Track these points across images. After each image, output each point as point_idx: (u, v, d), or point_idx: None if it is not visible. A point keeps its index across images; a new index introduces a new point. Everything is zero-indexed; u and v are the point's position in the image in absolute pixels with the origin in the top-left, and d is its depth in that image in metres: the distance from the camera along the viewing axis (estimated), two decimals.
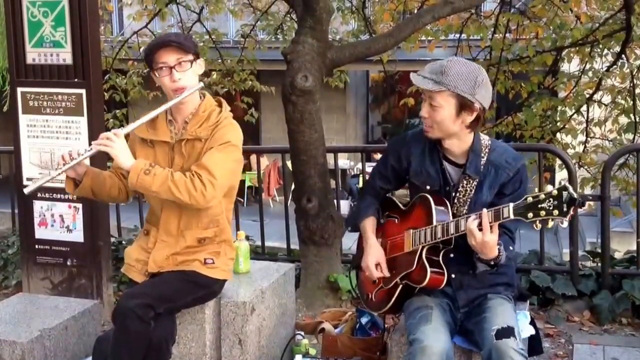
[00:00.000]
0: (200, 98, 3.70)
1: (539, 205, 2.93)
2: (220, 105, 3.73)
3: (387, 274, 3.50)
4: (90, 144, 3.56)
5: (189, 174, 3.46)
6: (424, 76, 3.27)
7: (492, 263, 3.21)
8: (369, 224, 3.67)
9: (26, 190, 3.58)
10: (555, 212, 2.89)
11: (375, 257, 3.55)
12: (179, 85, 3.53)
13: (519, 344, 3.10)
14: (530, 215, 2.95)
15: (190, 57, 3.57)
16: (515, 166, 3.35)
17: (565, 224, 2.94)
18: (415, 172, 3.49)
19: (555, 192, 2.89)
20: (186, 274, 3.64)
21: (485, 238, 3.08)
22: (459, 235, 3.21)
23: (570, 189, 2.87)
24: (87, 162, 3.66)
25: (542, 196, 2.93)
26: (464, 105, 3.25)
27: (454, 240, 3.31)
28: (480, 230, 3.08)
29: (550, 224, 2.96)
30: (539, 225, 2.98)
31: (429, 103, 3.27)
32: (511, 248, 3.33)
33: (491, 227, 3.08)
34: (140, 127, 3.62)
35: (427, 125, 3.32)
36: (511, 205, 3.01)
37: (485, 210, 3.09)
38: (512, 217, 3.00)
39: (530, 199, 2.96)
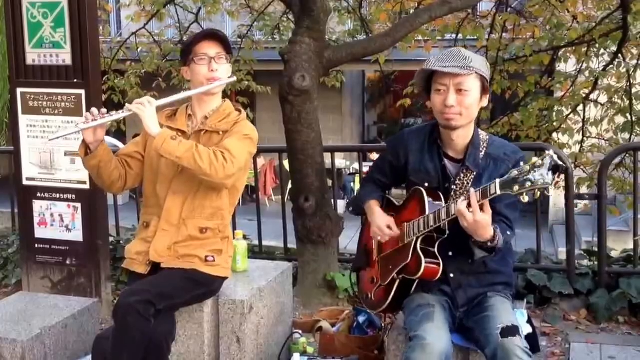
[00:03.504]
0: (222, 101, 3.86)
1: (525, 177, 2.90)
2: (239, 111, 3.89)
3: (397, 232, 3.49)
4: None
5: (212, 148, 3.56)
6: (444, 66, 3.25)
7: (489, 246, 3.19)
8: (374, 202, 3.69)
9: (50, 137, 3.72)
10: (540, 180, 2.85)
11: (384, 220, 3.56)
12: (214, 75, 3.69)
13: (524, 342, 3.10)
14: (516, 188, 2.92)
15: (227, 55, 3.74)
16: (514, 158, 3.36)
17: (552, 192, 2.91)
18: (414, 169, 3.51)
19: (539, 162, 2.87)
20: (186, 272, 3.68)
21: (477, 217, 3.06)
22: (452, 219, 3.19)
23: (555, 156, 2.85)
24: None
25: (527, 168, 2.90)
26: (484, 87, 3.33)
27: (448, 233, 3.31)
28: (471, 211, 3.09)
29: (537, 194, 2.91)
30: (526, 198, 2.92)
31: (457, 90, 3.26)
32: (508, 233, 3.31)
33: (481, 206, 3.07)
34: (159, 115, 3.70)
35: (454, 113, 3.28)
36: (497, 180, 3.00)
37: (472, 189, 3.10)
38: (499, 192, 2.98)
39: (515, 172, 2.94)
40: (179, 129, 3.74)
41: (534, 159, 2.91)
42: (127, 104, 3.60)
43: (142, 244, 3.79)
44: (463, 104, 3.28)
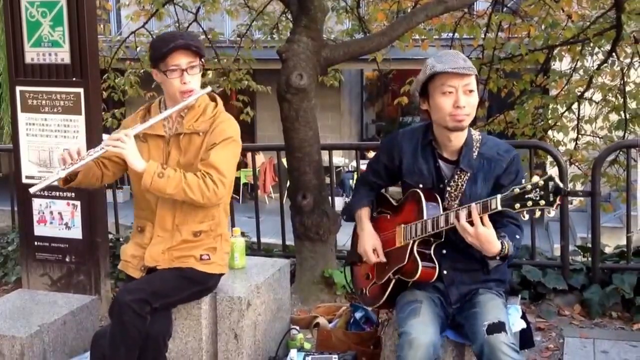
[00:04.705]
0: None
1: (526, 196, 2.97)
2: (214, 100, 3.80)
3: (383, 259, 3.55)
4: (100, 144, 3.54)
5: (200, 173, 3.52)
6: (454, 67, 3.24)
7: (500, 256, 3.22)
8: (364, 213, 3.73)
9: (32, 190, 3.53)
10: (542, 202, 2.93)
11: (371, 242, 3.61)
12: (188, 87, 3.60)
13: (510, 338, 3.13)
14: (517, 205, 2.99)
15: (199, 61, 3.64)
16: (507, 157, 3.38)
17: (553, 213, 2.98)
18: (407, 170, 3.53)
19: (541, 182, 2.94)
20: (182, 271, 3.69)
21: (478, 230, 3.11)
22: (449, 228, 3.25)
23: (557, 178, 2.91)
24: None
25: (529, 187, 2.97)
26: (477, 87, 3.36)
27: (444, 235, 3.35)
28: (472, 225, 3.13)
29: (538, 213, 2.99)
30: (526, 216, 3.01)
31: (465, 91, 3.27)
32: (517, 237, 3.32)
33: (481, 219, 3.12)
34: (134, 117, 3.68)
35: (465, 114, 3.29)
36: (499, 196, 3.05)
37: (473, 204, 3.14)
38: (499, 208, 3.04)
39: (517, 190, 3.00)
40: (157, 134, 3.69)
41: (535, 178, 2.97)
42: (103, 142, 3.51)
43: (138, 248, 3.78)
44: (471, 105, 3.31)
